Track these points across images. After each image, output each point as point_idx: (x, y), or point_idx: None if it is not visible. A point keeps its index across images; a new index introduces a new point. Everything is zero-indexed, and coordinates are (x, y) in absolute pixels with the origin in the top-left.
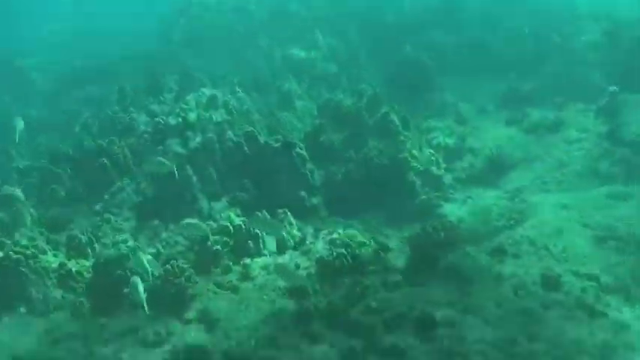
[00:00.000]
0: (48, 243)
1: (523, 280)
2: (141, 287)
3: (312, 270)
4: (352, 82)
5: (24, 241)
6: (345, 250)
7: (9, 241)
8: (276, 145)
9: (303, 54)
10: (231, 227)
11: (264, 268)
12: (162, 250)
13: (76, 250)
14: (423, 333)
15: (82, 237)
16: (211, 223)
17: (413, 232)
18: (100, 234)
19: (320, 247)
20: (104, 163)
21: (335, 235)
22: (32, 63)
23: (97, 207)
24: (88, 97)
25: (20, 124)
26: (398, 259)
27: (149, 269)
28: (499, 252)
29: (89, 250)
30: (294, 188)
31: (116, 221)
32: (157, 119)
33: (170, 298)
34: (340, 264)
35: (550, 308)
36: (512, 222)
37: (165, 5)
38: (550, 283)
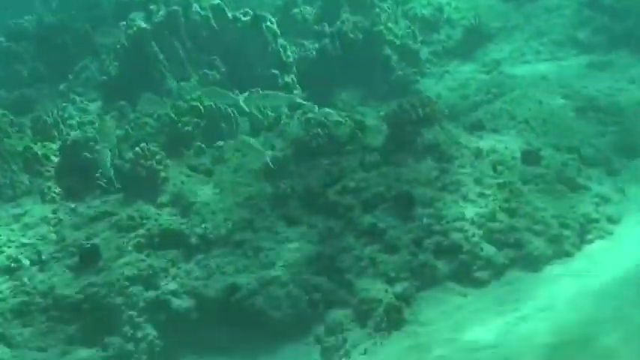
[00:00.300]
0: (12, 126)
1: (502, 155)
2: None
3: (288, 151)
4: None
5: None
6: (321, 130)
7: None
8: (245, 18)
9: None
10: (201, 108)
11: (238, 149)
12: (130, 132)
13: (41, 133)
14: (401, 212)
15: (48, 119)
16: (181, 103)
17: (390, 110)
18: (65, 115)
19: (295, 127)
20: (66, 41)
21: (310, 115)
22: None
23: (61, 87)
24: None
25: None
26: (375, 138)
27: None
28: (478, 127)
29: (55, 133)
30: (265, 66)
31: (82, 102)
32: None
33: (141, 182)
34: (317, 144)
35: (530, 183)
36: (490, 96)
37: None
38: (530, 157)
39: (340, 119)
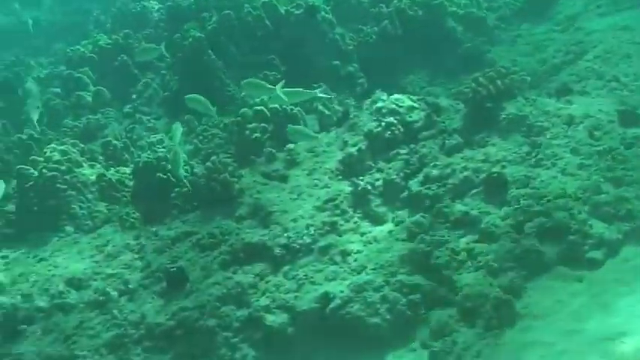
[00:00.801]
0: (83, 154)
1: (597, 119)
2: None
3: (363, 146)
4: None
5: (56, 156)
6: (394, 118)
7: (41, 158)
8: (298, 12)
9: None
10: (267, 111)
11: (311, 150)
12: (200, 145)
13: (113, 158)
14: (495, 196)
15: (117, 143)
16: (246, 110)
17: (465, 86)
18: (134, 137)
19: (366, 119)
20: (124, 60)
21: (380, 104)
22: None
23: (127, 108)
24: None
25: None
26: (453, 120)
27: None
28: (564, 92)
29: (127, 156)
30: (325, 58)
31: (148, 120)
32: (168, 3)
33: (217, 197)
34: (391, 134)
35: (633, 146)
36: (571, 56)
37: None
38: (628, 117)
39: (413, 103)
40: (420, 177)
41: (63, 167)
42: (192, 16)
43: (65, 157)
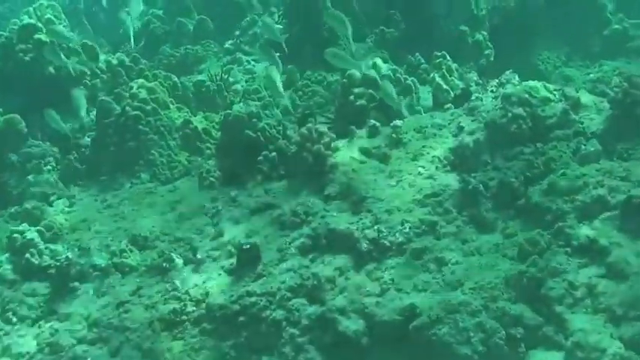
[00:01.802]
0: (175, 89)
1: None
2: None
3: (480, 136)
4: None
5: (143, 94)
6: (524, 109)
7: (126, 93)
8: None
9: None
10: (377, 78)
11: (420, 130)
12: (298, 102)
13: (204, 101)
14: (631, 225)
15: (210, 84)
16: (354, 72)
17: (615, 83)
18: (230, 79)
19: (489, 104)
20: None
21: (509, 89)
22: None
23: (228, 44)
24: None
25: None
26: (593, 121)
27: None
28: None
29: (219, 101)
30: (452, 20)
31: (248, 62)
32: None
33: (307, 169)
34: (517, 128)
35: None
36: None
37: None
38: None
39: (548, 94)
40: (544, 185)
41: (148, 107)
42: None
43: (152, 96)
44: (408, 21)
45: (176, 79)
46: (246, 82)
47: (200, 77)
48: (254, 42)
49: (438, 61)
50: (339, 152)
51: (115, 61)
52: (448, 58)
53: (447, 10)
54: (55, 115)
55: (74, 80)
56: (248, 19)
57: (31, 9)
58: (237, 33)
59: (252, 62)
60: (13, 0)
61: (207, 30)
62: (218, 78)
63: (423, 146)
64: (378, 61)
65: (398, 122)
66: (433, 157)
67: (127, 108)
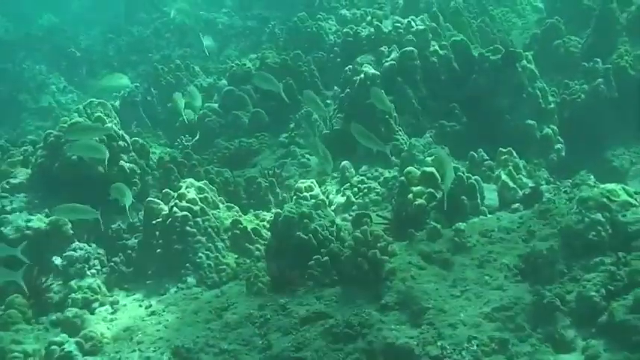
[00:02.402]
0: (227, 185)
1: None
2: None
3: (555, 243)
4: None
5: (191, 194)
6: (603, 214)
7: (174, 193)
8: (495, 57)
9: None
10: (437, 174)
11: (484, 234)
12: (353, 199)
13: (256, 197)
14: None
15: (262, 181)
16: (412, 169)
17: None
18: (284, 174)
19: (563, 207)
20: (289, 84)
21: (585, 192)
22: None
23: (282, 137)
24: None
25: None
26: None
27: None
28: None
29: (270, 197)
30: (519, 114)
31: (302, 155)
32: (346, 29)
33: (363, 276)
34: (596, 236)
35: None
36: None
37: None
38: None
39: (629, 198)
40: (629, 300)
41: (196, 208)
42: (370, 47)
43: (201, 196)
44: (470, 115)
45: (229, 174)
46: (299, 175)
47: (252, 172)
48: (308, 135)
49: (503, 157)
50: (397, 257)
51: (166, 158)
52: (514, 154)
53: (513, 103)
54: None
55: (124, 179)
56: (303, 112)
57: (81, 107)
58: (292, 126)
59: (307, 156)
60: None
61: (262, 122)
62: (270, 173)
63: (490, 252)
64: (442, 152)
65: (461, 225)
66: (501, 264)
67: (174, 209)
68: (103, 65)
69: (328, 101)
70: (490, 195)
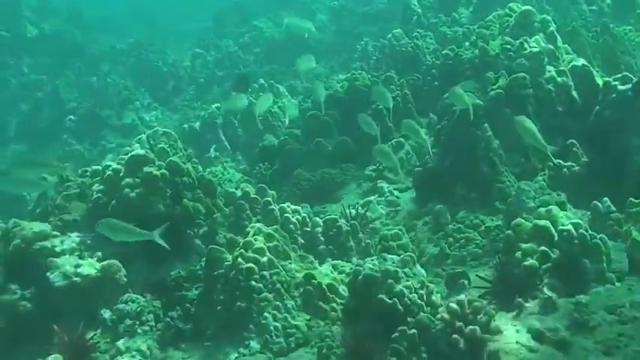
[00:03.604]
0: (303, 225)
1: None
2: None
3: None
4: None
5: (259, 243)
6: None
7: (240, 240)
8: (624, 87)
9: None
10: (554, 231)
11: (612, 309)
12: (448, 251)
13: (336, 243)
14: None
15: (343, 224)
16: (522, 221)
17: None
18: (369, 214)
19: None
20: (379, 109)
21: None
22: None
23: (369, 170)
24: (372, 12)
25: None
26: None
27: None
28: None
29: (352, 244)
30: None
31: (391, 193)
32: (446, 50)
33: (459, 356)
34: None
35: None
36: None
37: None
38: None
39: None
40: None
41: (264, 259)
42: (473, 72)
43: (270, 244)
44: (592, 154)
45: (308, 210)
46: (386, 216)
47: (334, 209)
48: (401, 167)
49: (635, 209)
50: (502, 335)
51: (238, 193)
52: None
53: None
54: None
55: (188, 220)
56: (393, 142)
57: (144, 136)
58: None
59: (396, 193)
60: None
61: (348, 152)
62: (353, 214)
63: (620, 335)
64: (554, 209)
65: (582, 298)
66: (635, 353)
67: (239, 259)
68: (190, 81)
69: (424, 129)
70: (618, 257)
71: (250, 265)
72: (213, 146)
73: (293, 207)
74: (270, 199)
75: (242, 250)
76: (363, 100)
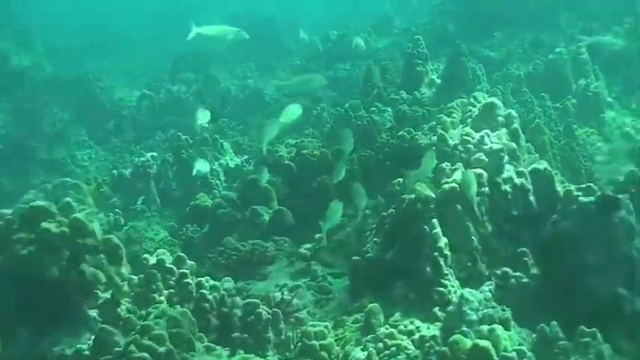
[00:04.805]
0: (222, 302)
1: None
2: None
3: None
4: None
5: (161, 326)
6: None
7: (138, 322)
8: (586, 199)
9: None
10: (495, 356)
11: None
12: (375, 358)
13: (252, 331)
14: None
15: (264, 312)
16: (460, 339)
17: None
18: (294, 302)
19: None
20: (325, 183)
21: None
22: None
23: (304, 248)
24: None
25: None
26: None
27: None
28: None
29: (271, 336)
30: (608, 280)
31: (324, 278)
32: (402, 132)
33: None
34: None
35: None
36: None
37: None
38: None
39: None
40: None
41: (161, 349)
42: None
43: (173, 330)
44: (544, 267)
45: (229, 287)
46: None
47: (260, 287)
48: (339, 249)
49: (584, 339)
50: None
51: (151, 260)
52: (599, 337)
53: (601, 263)
54: None
55: (84, 288)
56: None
57: (49, 186)
58: (318, 236)
59: (330, 279)
60: None
61: (285, 224)
62: (278, 299)
63: None
64: (498, 329)
65: None
66: None
67: (132, 347)
68: (133, 123)
69: (368, 211)
70: None
71: (144, 355)
72: (142, 197)
73: (212, 282)
74: (187, 270)
75: (137, 336)
76: (311, 170)
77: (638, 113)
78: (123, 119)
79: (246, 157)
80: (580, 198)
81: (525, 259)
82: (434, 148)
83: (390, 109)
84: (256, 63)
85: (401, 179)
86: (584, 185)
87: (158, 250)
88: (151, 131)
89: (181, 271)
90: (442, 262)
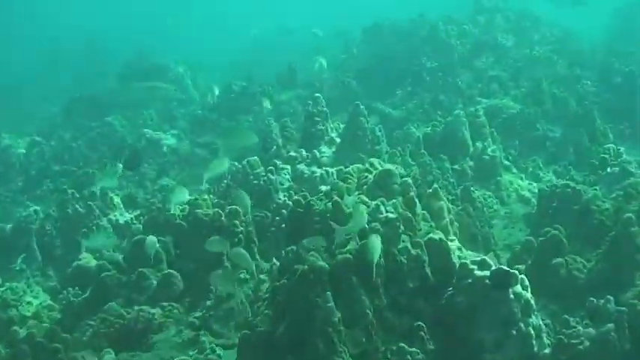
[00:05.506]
0: None
1: None
2: None
3: None
4: None
5: None
6: None
7: None
8: (481, 273)
9: None
10: None
11: None
12: None
13: None
14: None
15: None
16: None
17: None
18: None
19: None
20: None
21: None
22: None
23: (191, 317)
24: None
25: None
26: None
27: None
28: None
29: None
30: (503, 356)
31: (213, 350)
32: (297, 197)
33: None
34: None
35: None
36: None
37: None
38: None
39: None
40: None
41: None
42: (323, 226)
43: None
44: (440, 342)
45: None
46: None
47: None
48: (228, 317)
49: None
50: None
51: (22, 333)
52: None
53: (497, 339)
54: None
55: None
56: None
57: None
58: (209, 303)
59: (219, 351)
60: None
61: (173, 290)
62: None
63: None
64: None
65: None
66: None
67: None
68: (21, 171)
69: (262, 276)
70: None
71: None
72: (22, 256)
73: (90, 358)
74: (59, 345)
75: None
76: (203, 231)
77: (533, 177)
78: (11, 167)
79: (137, 212)
80: (475, 272)
81: (421, 333)
82: (328, 215)
83: (289, 168)
84: (157, 111)
85: (294, 247)
86: (478, 258)
87: (30, 322)
88: (40, 181)
89: (54, 345)
90: (335, 338)
